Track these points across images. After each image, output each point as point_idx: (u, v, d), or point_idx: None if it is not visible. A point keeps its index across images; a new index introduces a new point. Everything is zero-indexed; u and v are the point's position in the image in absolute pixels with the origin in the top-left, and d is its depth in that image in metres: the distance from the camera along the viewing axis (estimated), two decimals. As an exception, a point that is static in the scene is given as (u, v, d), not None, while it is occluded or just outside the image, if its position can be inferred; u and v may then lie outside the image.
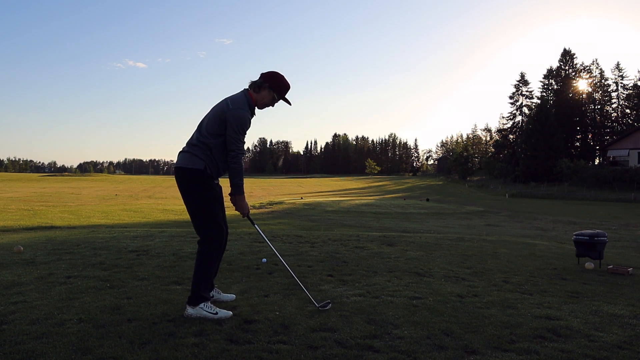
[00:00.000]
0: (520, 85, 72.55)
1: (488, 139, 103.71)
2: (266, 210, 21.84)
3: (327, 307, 3.28)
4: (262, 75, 3.21)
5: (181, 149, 3.18)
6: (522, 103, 72.47)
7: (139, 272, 4.39)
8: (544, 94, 69.14)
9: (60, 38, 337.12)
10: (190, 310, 3.02)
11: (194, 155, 3.07)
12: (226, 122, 3.03)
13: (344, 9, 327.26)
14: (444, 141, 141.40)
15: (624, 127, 63.97)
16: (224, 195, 3.26)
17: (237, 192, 3.12)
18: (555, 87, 68.94)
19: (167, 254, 5.52)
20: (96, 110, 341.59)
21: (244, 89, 3.20)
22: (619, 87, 67.18)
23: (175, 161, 3.23)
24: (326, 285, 4.07)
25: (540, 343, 2.73)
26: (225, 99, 3.16)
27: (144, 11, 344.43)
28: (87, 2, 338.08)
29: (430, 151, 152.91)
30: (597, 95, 67.73)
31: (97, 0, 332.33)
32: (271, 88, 3.17)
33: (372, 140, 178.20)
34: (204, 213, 3.08)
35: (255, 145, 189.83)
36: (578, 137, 68.24)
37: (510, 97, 73.02)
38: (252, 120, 3.20)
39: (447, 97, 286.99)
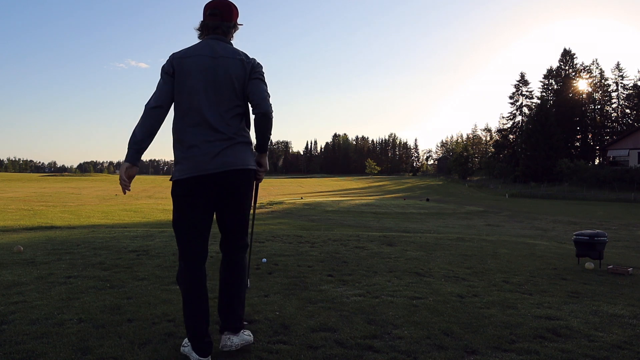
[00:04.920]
0: (520, 85, 72.54)
1: (488, 139, 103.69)
2: (266, 210, 21.84)
3: None
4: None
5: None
6: (522, 103, 72.48)
7: (139, 272, 4.39)
8: (544, 94, 69.19)
9: (62, 38, 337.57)
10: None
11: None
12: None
13: (345, 9, 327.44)
14: (444, 141, 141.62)
15: (624, 127, 63.96)
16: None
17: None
18: (555, 87, 68.96)
19: (167, 254, 5.52)
20: (97, 110, 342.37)
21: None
22: (619, 87, 67.23)
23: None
24: (326, 285, 4.07)
25: (540, 343, 2.73)
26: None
27: (147, 11, 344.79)
28: (89, 1, 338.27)
29: (430, 151, 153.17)
30: (597, 95, 67.75)
31: (99, 0, 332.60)
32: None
33: (372, 140, 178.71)
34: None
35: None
36: (578, 137, 68.23)
37: (510, 97, 73.05)
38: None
39: (447, 97, 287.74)
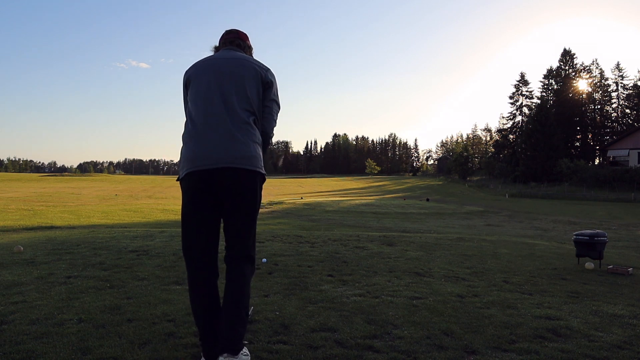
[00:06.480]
0: (520, 85, 72.52)
1: (488, 139, 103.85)
2: (266, 210, 21.83)
3: None
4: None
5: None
6: (522, 103, 72.45)
7: (139, 272, 4.39)
8: (544, 94, 69.18)
9: (63, 37, 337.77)
10: None
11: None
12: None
13: (345, 9, 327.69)
14: (444, 141, 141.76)
15: (624, 127, 63.96)
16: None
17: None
18: (555, 87, 68.93)
19: (167, 254, 5.52)
20: (97, 110, 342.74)
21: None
22: (619, 87, 67.23)
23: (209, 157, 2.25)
24: (326, 285, 4.07)
25: (540, 343, 2.73)
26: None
27: (148, 11, 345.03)
28: (89, 1, 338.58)
29: (430, 151, 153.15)
30: (597, 95, 67.74)
31: None
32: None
33: (372, 140, 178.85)
34: None
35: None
36: (578, 137, 68.22)
37: (510, 97, 73.01)
38: None
39: (447, 97, 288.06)
